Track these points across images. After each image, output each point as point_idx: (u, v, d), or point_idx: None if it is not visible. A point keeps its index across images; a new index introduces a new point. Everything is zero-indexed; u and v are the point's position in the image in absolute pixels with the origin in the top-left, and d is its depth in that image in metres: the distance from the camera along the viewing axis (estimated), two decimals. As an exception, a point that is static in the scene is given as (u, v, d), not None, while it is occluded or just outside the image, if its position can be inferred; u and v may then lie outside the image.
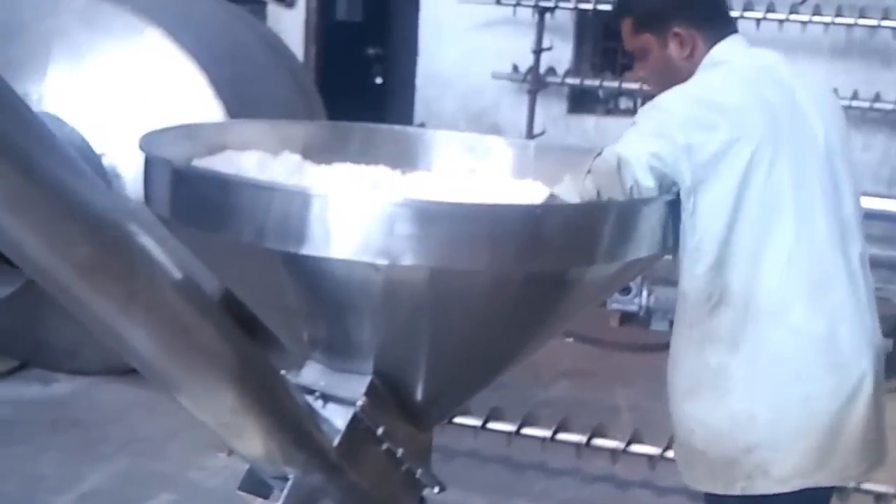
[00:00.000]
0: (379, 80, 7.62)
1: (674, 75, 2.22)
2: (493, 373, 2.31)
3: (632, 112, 6.79)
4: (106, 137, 4.29)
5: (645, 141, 2.07)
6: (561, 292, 2.06)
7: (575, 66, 6.93)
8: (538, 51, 6.42)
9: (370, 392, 2.05)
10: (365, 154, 2.74)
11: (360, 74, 7.50)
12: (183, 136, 2.49)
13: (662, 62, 2.26)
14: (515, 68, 6.62)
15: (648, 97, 2.29)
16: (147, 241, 1.64)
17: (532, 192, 2.44)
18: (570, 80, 6.60)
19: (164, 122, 4.13)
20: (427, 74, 7.03)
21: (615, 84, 6.49)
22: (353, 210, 1.83)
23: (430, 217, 1.83)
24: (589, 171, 2.07)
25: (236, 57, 4.58)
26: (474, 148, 2.81)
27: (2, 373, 4.65)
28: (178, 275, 1.69)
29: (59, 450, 3.95)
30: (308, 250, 1.82)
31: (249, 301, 2.11)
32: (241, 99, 4.40)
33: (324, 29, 7.20)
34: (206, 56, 4.32)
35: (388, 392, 2.09)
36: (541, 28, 6.42)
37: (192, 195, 1.98)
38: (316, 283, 1.92)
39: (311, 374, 2.11)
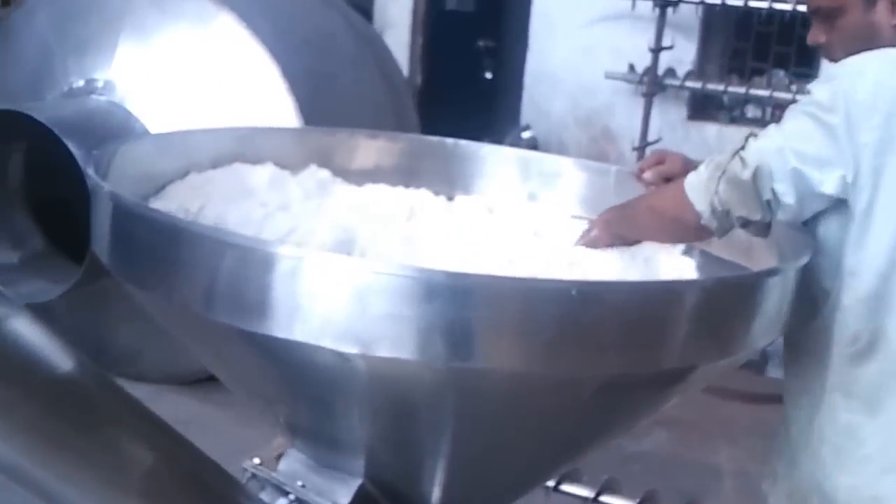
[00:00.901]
0: (489, 75, 7.22)
1: (871, 47, 1.76)
2: (538, 477, 1.89)
3: (759, 122, 6.23)
4: (168, 129, 4.00)
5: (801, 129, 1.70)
6: (626, 399, 1.62)
7: (698, 67, 6.39)
8: (657, 49, 5.91)
9: (359, 500, 1.65)
10: (408, 172, 2.36)
11: (469, 68, 7.12)
12: (186, 143, 2.15)
13: (862, 28, 1.82)
14: (632, 68, 6.13)
15: (780, 107, 1.86)
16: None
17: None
18: (690, 84, 6.07)
19: (232, 116, 3.87)
20: (536, 71, 6.59)
21: (742, 90, 5.94)
22: (322, 278, 1.42)
23: (428, 294, 1.38)
24: (724, 173, 1.71)
25: (316, 47, 4.23)
26: (541, 170, 2.40)
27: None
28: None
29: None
30: (266, 329, 1.43)
31: (212, 368, 1.75)
32: (318, 93, 4.06)
33: (432, 18, 6.85)
34: (281, 46, 3.98)
35: (385, 500, 1.69)
36: (661, 24, 5.91)
37: (129, 239, 1.60)
38: (283, 367, 1.54)
39: (291, 467, 1.73)
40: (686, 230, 1.81)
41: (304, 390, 1.58)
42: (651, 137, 6.09)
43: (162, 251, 1.51)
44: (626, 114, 6.37)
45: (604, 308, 1.42)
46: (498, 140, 5.92)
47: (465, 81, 6.96)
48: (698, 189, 1.73)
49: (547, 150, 6.36)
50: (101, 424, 1.36)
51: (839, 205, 1.71)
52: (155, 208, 1.62)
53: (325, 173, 2.27)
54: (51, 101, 4.04)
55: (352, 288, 1.39)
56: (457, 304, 1.38)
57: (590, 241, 2.00)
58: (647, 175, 2.15)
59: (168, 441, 1.47)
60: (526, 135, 6.28)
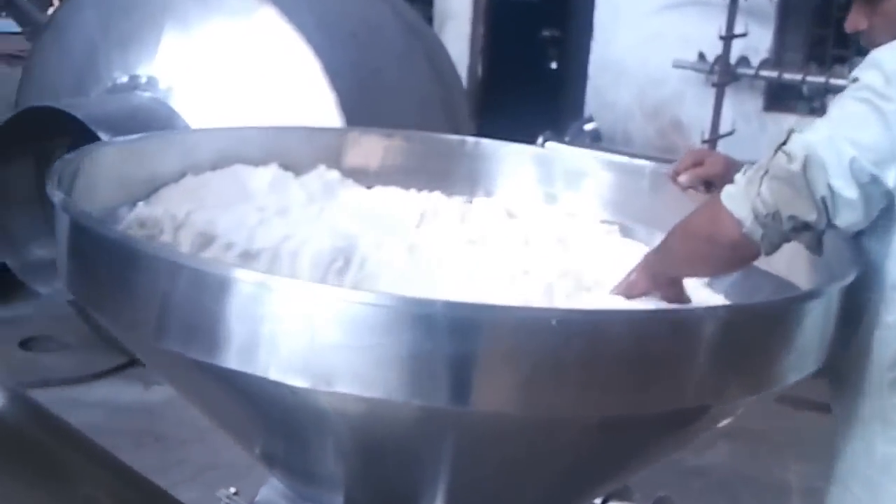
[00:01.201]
0: (553, 66, 7.01)
1: None
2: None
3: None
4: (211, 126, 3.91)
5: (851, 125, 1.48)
6: (625, 442, 1.44)
7: (775, 55, 6.10)
8: (728, 37, 5.65)
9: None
10: (423, 173, 2.20)
11: (532, 58, 6.92)
12: (184, 144, 2.02)
13: None
14: (701, 56, 5.87)
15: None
16: None
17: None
18: (765, 73, 5.79)
19: (274, 112, 3.75)
20: (601, 61, 6.37)
21: (822, 79, 5.64)
22: (275, 304, 1.26)
23: (388, 324, 1.22)
24: (766, 173, 1.48)
25: (362, 41, 4.09)
26: (568, 170, 2.22)
27: (106, 371, 4.38)
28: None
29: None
30: (218, 359, 1.28)
31: (181, 395, 1.61)
32: (362, 88, 3.92)
33: (494, 8, 6.66)
34: (324, 39, 3.85)
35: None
36: (733, 10, 5.64)
37: (81, 256, 1.47)
38: (243, 400, 1.40)
39: (269, 497, 1.59)
40: (726, 249, 1.53)
41: (269, 424, 1.44)
42: (724, 129, 5.83)
43: (111, 271, 1.38)
44: (696, 104, 6.11)
45: (596, 341, 1.24)
46: (560, 133, 5.73)
47: (529, 72, 6.76)
48: (736, 196, 1.50)
49: (611, 142, 6.15)
50: (38, 465, 1.23)
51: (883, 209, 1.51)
52: (104, 223, 1.47)
53: (333, 175, 2.13)
54: (94, 98, 3.98)
55: (307, 316, 1.24)
56: (420, 336, 1.22)
57: (626, 288, 1.76)
58: (683, 178, 1.94)
59: (116, 476, 1.33)
60: (589, 127, 6.06)
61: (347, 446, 1.42)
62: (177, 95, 3.86)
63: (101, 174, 1.78)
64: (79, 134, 3.70)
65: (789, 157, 1.47)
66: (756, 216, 1.47)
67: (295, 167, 2.11)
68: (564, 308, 1.56)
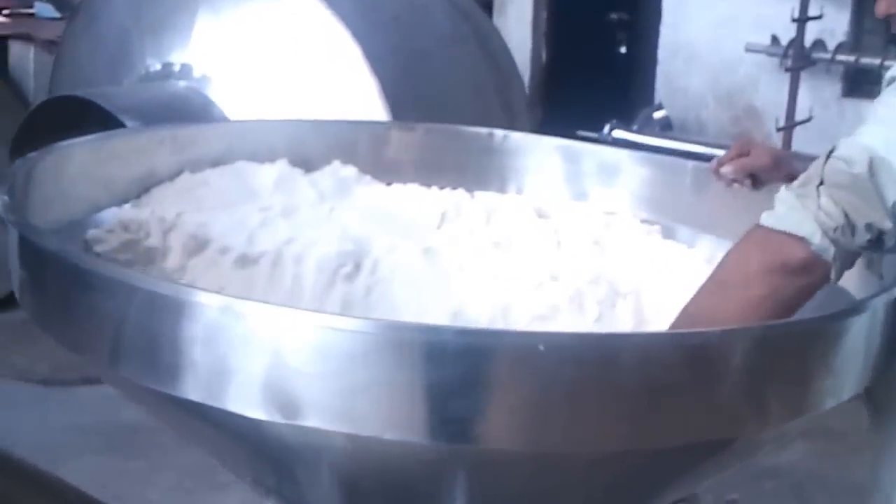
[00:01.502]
0: (622, 50, 6.75)
1: None
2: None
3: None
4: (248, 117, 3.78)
5: None
6: (639, 477, 1.25)
7: (853, 39, 5.78)
8: (802, 19, 5.35)
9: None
10: (446, 167, 2.02)
11: (600, 42, 6.67)
12: (183, 138, 1.86)
13: None
14: (775, 40, 5.57)
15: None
16: None
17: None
18: (842, 57, 5.48)
19: (312, 100, 3.60)
20: (671, 45, 6.09)
21: (904, 62, 5.33)
22: (237, 330, 1.11)
23: (357, 352, 1.06)
24: (821, 183, 1.30)
25: (406, 23, 3.90)
26: (604, 165, 2.03)
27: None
28: None
29: (176, 471, 3.48)
30: (178, 391, 1.13)
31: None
32: (407, 74, 3.74)
33: (559, -10, 6.43)
34: (364, 22, 3.67)
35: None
36: (808, -9, 5.35)
37: (33, 274, 1.31)
38: (213, 432, 1.24)
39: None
40: (794, 276, 1.29)
41: (243, 454, 1.28)
42: (800, 116, 5.54)
43: (60, 291, 1.23)
44: (771, 90, 5.81)
45: (599, 368, 1.06)
46: (628, 121, 5.50)
47: (596, 58, 6.51)
48: (789, 215, 1.29)
49: (682, 130, 5.90)
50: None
51: None
52: (52, 237, 1.31)
53: (348, 171, 1.97)
54: (126, 87, 3.86)
55: (272, 343, 1.08)
56: (398, 366, 1.04)
57: None
58: (727, 169, 1.74)
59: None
60: (658, 114, 5.80)
61: (330, 481, 1.25)
62: (211, 83, 3.73)
63: (81, 174, 1.64)
64: (113, 125, 3.59)
65: (848, 162, 1.29)
66: (825, 231, 1.27)
67: (307, 163, 1.95)
68: (555, 332, 1.37)
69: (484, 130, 2.06)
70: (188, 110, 3.69)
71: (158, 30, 3.85)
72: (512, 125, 4.04)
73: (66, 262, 1.21)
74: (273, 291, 1.61)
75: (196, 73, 3.84)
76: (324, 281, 1.64)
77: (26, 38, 5.36)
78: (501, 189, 2.02)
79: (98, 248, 1.59)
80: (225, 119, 3.74)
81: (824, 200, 1.28)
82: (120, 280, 1.15)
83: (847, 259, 1.30)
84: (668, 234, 1.89)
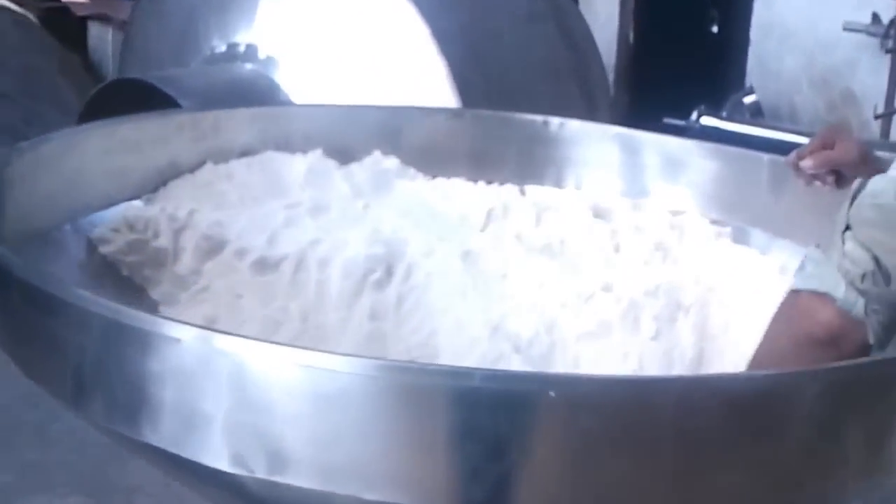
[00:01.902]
0: (714, 29, 6.46)
1: None
2: None
3: None
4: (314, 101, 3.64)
5: None
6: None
7: (962, 17, 5.42)
8: (907, -3, 5.03)
9: None
10: (496, 159, 1.86)
11: (691, 21, 6.39)
12: (206, 124, 1.72)
13: None
14: (876, 18, 5.24)
15: None
16: None
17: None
18: (950, 37, 5.14)
19: (377, 82, 3.45)
20: (764, 24, 5.78)
21: None
22: (216, 366, 0.95)
23: (333, 395, 0.89)
24: (847, 227, 1.10)
25: (478, 1, 3.73)
26: (671, 158, 1.83)
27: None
28: None
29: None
30: (146, 438, 0.98)
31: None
32: (478, 56, 3.56)
33: (648, -34, 6.17)
34: (433, 0, 3.51)
35: None
36: (914, -33, 5.02)
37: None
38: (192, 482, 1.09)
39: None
40: (819, 348, 1.08)
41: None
42: (900, 101, 5.22)
43: (18, 315, 1.09)
44: (872, 73, 5.47)
45: (626, 417, 0.88)
46: (717, 106, 5.23)
47: (687, 38, 6.24)
48: (812, 273, 1.10)
49: (775, 116, 5.61)
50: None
51: None
52: (13, 251, 1.16)
53: (389, 163, 1.81)
54: (190, 69, 3.75)
55: (238, 383, 0.92)
56: (397, 413, 0.88)
57: None
58: (807, 162, 1.53)
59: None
60: (748, 99, 5.51)
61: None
62: (277, 65, 3.60)
63: (90, 164, 1.51)
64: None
65: (874, 195, 1.09)
66: (850, 281, 1.06)
67: (345, 153, 1.80)
68: (568, 375, 1.19)
69: (539, 118, 1.88)
70: (252, 94, 3.57)
71: (223, 9, 3.73)
72: (591, 112, 3.85)
73: (24, 282, 1.06)
74: (293, 299, 1.47)
75: (261, 55, 3.72)
76: (351, 288, 1.49)
77: (104, 18, 5.32)
78: (556, 183, 1.84)
79: (103, 249, 1.46)
80: (289, 104, 3.62)
81: (849, 246, 1.07)
82: (78, 305, 1.00)
83: (889, 314, 1.06)
84: (739, 237, 1.69)
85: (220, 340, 0.94)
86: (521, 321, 1.47)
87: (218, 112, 1.78)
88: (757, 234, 1.68)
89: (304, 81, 3.60)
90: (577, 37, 4.20)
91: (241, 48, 3.74)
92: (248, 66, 3.72)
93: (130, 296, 1.46)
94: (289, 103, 3.21)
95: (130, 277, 1.47)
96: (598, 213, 1.75)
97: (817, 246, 1.09)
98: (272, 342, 0.95)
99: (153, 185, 1.61)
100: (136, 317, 0.96)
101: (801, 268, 1.09)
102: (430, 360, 1.45)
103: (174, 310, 1.45)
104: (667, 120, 4.42)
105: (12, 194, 1.35)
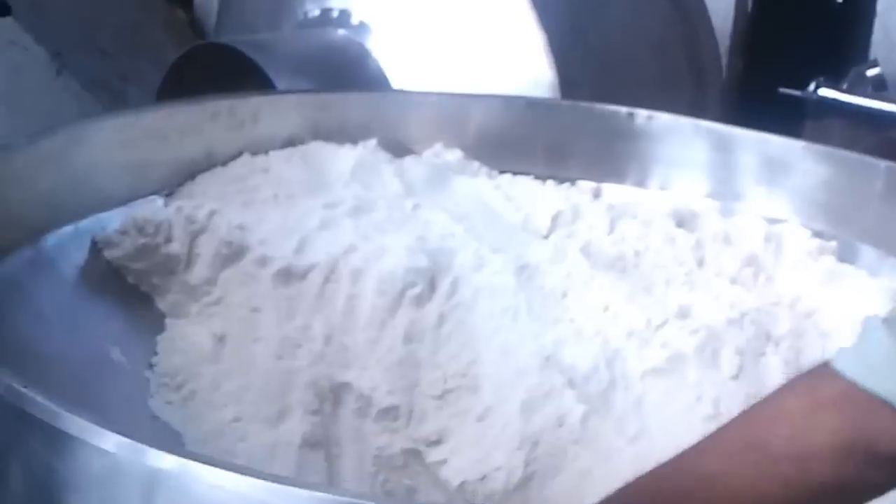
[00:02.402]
0: (839, 0, 6.05)
1: None
2: None
3: None
4: (406, 71, 3.46)
5: None
6: None
7: None
8: None
9: None
10: (571, 154, 1.65)
11: (817, -11, 6.00)
12: (243, 111, 1.55)
13: None
14: None
15: None
16: None
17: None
18: None
19: (474, 55, 3.25)
20: (897, -7, 5.40)
21: None
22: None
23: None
24: (885, 320, 0.77)
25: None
26: (773, 158, 1.60)
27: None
28: None
29: None
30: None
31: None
32: (577, 29, 3.32)
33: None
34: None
35: None
36: None
37: None
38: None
39: None
40: (875, 468, 0.75)
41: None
42: None
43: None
44: None
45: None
46: (838, 78, 4.87)
47: (810, 5, 5.86)
48: (881, 367, 0.75)
49: (902, 92, 5.22)
50: None
51: None
52: None
53: (453, 155, 1.62)
54: (284, 33, 3.61)
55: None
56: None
57: None
58: None
59: None
60: (872, 72, 5.12)
61: None
62: (369, 32, 3.42)
63: (104, 158, 1.36)
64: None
65: None
66: None
67: (404, 145, 1.61)
68: None
69: (623, 109, 1.66)
70: (343, 61, 3.41)
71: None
72: (699, 89, 3.58)
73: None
74: (318, 316, 1.30)
75: (354, 21, 3.55)
76: (385, 304, 1.31)
77: (210, -27, 5.23)
78: (639, 183, 1.62)
79: (108, 254, 1.31)
80: (380, 72, 3.44)
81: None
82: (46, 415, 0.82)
83: None
84: (845, 254, 1.45)
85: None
86: (579, 351, 1.28)
87: (259, 98, 1.62)
88: (866, 251, 1.44)
89: (396, 50, 3.41)
90: (689, 6, 3.92)
91: (335, 13, 3.57)
92: (341, 31, 3.55)
93: (134, 307, 1.32)
94: (362, 80, 3.05)
95: (137, 286, 1.32)
96: (682, 221, 1.53)
97: (885, 320, 0.77)
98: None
99: (179, 181, 1.45)
100: (61, 418, 0.78)
101: (863, 346, 0.77)
102: (470, 392, 1.27)
103: (180, 323, 1.29)
104: (782, 90, 4.12)
105: (8, 194, 1.21)
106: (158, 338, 1.31)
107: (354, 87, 2.19)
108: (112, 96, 3.82)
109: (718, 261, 1.45)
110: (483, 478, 1.22)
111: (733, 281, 1.42)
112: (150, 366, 1.28)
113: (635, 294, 1.35)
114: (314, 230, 1.39)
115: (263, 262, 1.32)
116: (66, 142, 1.31)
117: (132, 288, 1.33)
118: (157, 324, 1.32)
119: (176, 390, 1.26)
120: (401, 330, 1.29)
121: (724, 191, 1.57)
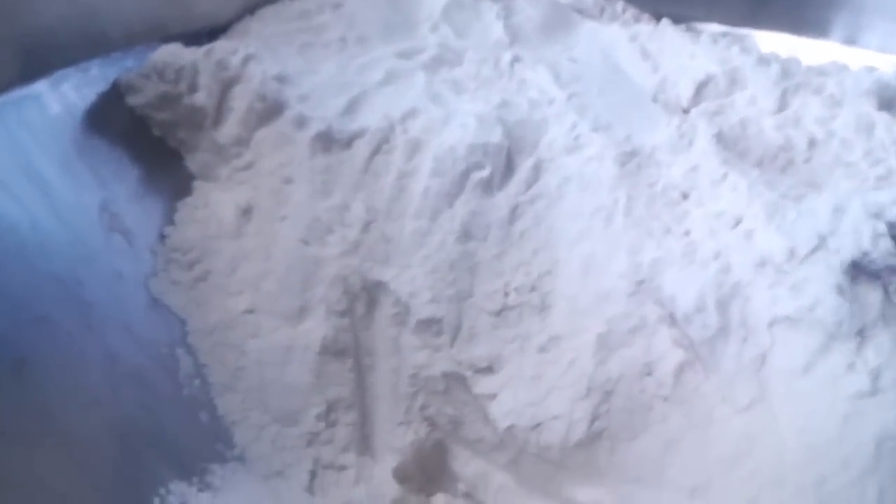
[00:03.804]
0: None
1: None
2: None
3: None
4: None
5: None
6: None
7: None
8: None
9: None
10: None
11: None
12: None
13: None
14: None
15: None
16: None
17: None
18: None
19: None
20: None
21: None
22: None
23: None
24: None
25: None
26: None
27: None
28: None
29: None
30: None
31: None
32: None
33: None
34: None
35: None
36: None
37: None
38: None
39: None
40: None
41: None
42: None
43: None
44: None
45: None
46: None
47: None
48: None
49: None
50: None
51: None
52: None
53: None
54: None
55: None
56: None
57: None
58: None
59: None
60: None
61: None
62: None
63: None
64: None
65: None
66: None
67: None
68: None
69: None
70: None
71: None
72: None
73: None
74: (359, 195, 1.03)
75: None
76: (442, 188, 1.03)
77: None
78: (848, 39, 1.22)
79: (131, 100, 1.09)
80: None
81: None
82: None
83: None
84: None
85: None
86: (686, 278, 0.95)
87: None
88: None
89: None
90: None
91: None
92: None
93: (164, 164, 1.10)
94: None
95: (163, 139, 1.10)
96: (888, 101, 1.12)
97: None
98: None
99: (236, 14, 1.20)
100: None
101: None
102: (535, 312, 0.98)
103: (208, 187, 1.07)
104: None
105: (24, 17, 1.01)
106: (179, 203, 1.09)
107: None
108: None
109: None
110: (537, 426, 0.96)
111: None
112: (161, 237, 1.07)
113: (784, 206, 0.98)
114: (374, 86, 1.11)
115: (301, 122, 1.06)
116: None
117: (160, 142, 1.12)
118: (182, 187, 1.10)
119: (187, 268, 1.05)
120: (458, 223, 1.01)
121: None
